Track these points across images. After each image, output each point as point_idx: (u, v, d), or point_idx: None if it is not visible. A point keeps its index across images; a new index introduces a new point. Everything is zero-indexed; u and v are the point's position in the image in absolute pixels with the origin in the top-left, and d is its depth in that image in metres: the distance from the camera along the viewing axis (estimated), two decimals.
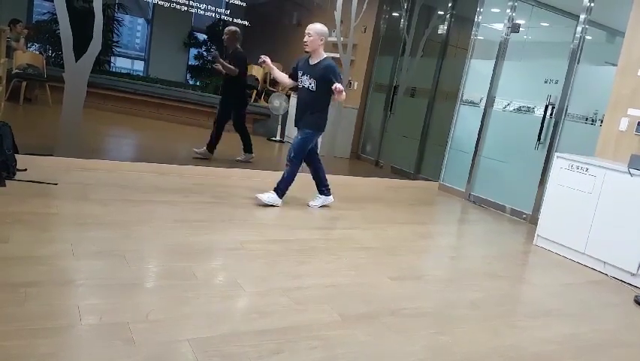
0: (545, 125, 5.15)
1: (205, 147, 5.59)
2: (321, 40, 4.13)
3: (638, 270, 3.60)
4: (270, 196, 4.13)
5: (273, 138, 8.10)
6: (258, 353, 1.96)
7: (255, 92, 9.03)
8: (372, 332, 2.29)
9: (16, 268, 2.35)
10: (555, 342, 2.52)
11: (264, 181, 4.76)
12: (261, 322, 2.22)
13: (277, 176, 4.29)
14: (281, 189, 4.18)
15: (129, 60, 12.56)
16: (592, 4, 4.89)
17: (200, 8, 5.17)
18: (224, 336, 2.04)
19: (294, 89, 8.38)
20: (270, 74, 4.07)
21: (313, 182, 4.46)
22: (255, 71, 9.25)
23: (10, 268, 2.33)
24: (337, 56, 5.59)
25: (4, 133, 3.86)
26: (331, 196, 4.48)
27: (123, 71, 11.65)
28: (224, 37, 5.49)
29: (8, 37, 6.68)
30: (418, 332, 2.38)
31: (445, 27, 6.64)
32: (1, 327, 1.85)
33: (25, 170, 3.91)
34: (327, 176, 4.48)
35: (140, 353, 1.84)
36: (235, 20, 5.42)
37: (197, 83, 11.21)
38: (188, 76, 12.31)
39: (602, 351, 2.54)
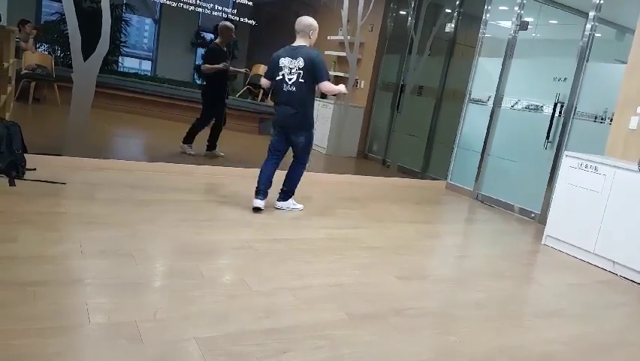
0: (554, 123, 5.12)
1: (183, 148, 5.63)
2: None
3: None
4: (290, 203, 4.16)
5: None
6: (263, 352, 1.97)
7: (262, 91, 9.03)
8: (378, 332, 2.29)
9: (25, 267, 2.37)
10: (560, 342, 2.50)
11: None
12: (267, 321, 2.23)
13: (281, 175, 4.21)
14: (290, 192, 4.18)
15: (137, 60, 12.61)
16: (601, 2, 4.84)
17: (207, 8, 5.17)
18: (230, 335, 2.05)
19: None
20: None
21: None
22: (262, 70, 9.24)
23: (18, 268, 2.35)
24: (344, 54, 5.57)
25: (13, 133, 3.90)
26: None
27: (131, 71, 11.69)
28: (230, 32, 5.52)
29: (17, 38, 6.74)
30: (424, 332, 2.38)
31: (453, 25, 6.60)
32: (10, 326, 1.87)
33: (34, 169, 3.95)
34: (335, 175, 4.46)
35: (148, 351, 1.85)
36: (242, 20, 5.42)
37: (205, 83, 11.21)
38: (195, 75, 12.32)
39: (608, 351, 2.52)
